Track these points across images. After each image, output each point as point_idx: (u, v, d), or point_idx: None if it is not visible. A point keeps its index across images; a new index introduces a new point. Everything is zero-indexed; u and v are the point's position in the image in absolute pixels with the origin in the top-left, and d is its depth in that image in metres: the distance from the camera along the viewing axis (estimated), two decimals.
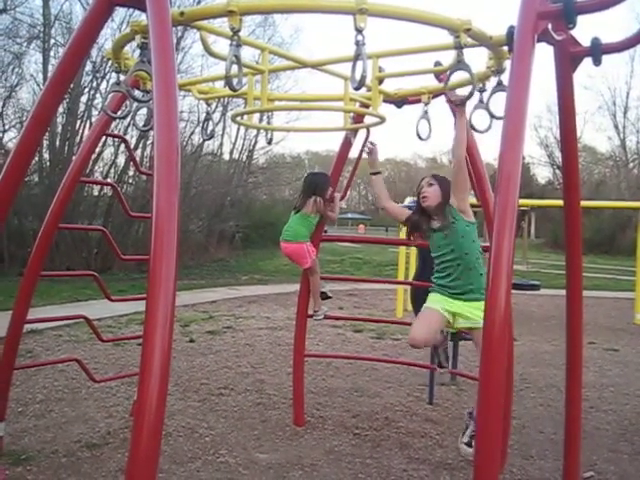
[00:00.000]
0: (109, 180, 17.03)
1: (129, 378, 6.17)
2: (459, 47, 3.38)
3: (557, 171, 47.75)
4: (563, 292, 3.92)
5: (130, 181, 21.17)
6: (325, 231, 5.99)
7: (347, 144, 5.45)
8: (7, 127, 19.06)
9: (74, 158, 5.21)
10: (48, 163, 18.78)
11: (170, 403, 5.74)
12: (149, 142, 20.13)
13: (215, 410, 5.90)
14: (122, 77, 4.08)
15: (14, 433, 4.99)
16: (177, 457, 4.69)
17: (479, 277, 4.03)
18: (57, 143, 18.80)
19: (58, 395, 6.14)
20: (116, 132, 13.46)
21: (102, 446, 4.86)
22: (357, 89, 3.44)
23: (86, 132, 18.09)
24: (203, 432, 5.28)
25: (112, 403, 5.93)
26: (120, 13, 17.47)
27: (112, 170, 20.54)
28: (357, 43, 3.14)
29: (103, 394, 6.17)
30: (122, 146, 18.07)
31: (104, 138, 5.36)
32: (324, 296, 5.75)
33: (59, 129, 18.66)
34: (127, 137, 14.90)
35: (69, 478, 4.26)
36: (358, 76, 3.17)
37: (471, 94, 3.62)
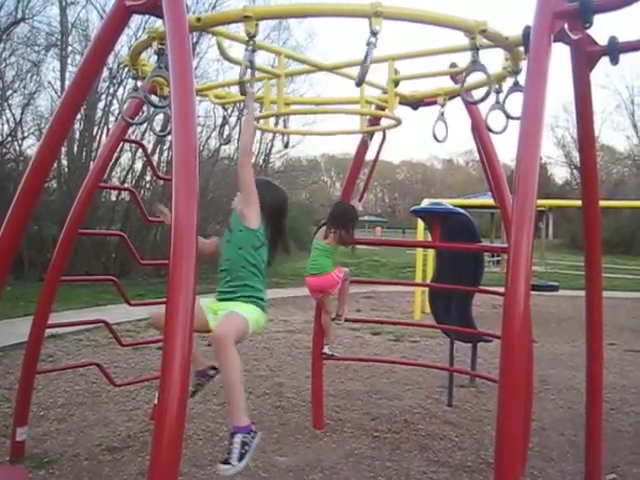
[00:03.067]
0: (127, 185, 17.11)
1: (148, 382, 6.21)
2: (475, 48, 3.38)
3: (575, 171, 47.40)
4: (582, 293, 3.89)
5: (147, 186, 21.28)
6: None
7: (363, 147, 5.45)
8: (26, 134, 19.25)
9: (92, 164, 5.26)
10: (66, 169, 18.93)
11: (190, 406, 5.73)
12: (166, 147, 20.23)
13: None
14: (139, 83, 4.13)
15: (36, 437, 5.04)
16: (197, 460, 4.71)
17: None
18: (75, 149, 18.95)
19: (79, 399, 6.19)
20: (133, 137, 13.56)
21: (123, 449, 4.89)
22: (357, 85, 3.51)
23: (103, 138, 18.23)
24: (223, 435, 5.28)
25: (132, 407, 5.97)
26: (136, 20, 17.59)
27: (129, 175, 20.67)
28: (368, 44, 3.19)
29: (123, 398, 6.21)
30: (139, 151, 18.18)
31: (121, 144, 5.40)
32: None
33: (77, 135, 18.81)
34: (144, 142, 15.01)
35: None
36: (361, 75, 3.25)
37: (487, 95, 3.62)
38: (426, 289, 10.97)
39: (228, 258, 3.42)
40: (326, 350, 5.70)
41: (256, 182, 3.34)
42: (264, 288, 3.45)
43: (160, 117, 4.26)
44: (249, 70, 3.29)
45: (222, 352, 3.01)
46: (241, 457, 2.93)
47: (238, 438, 2.97)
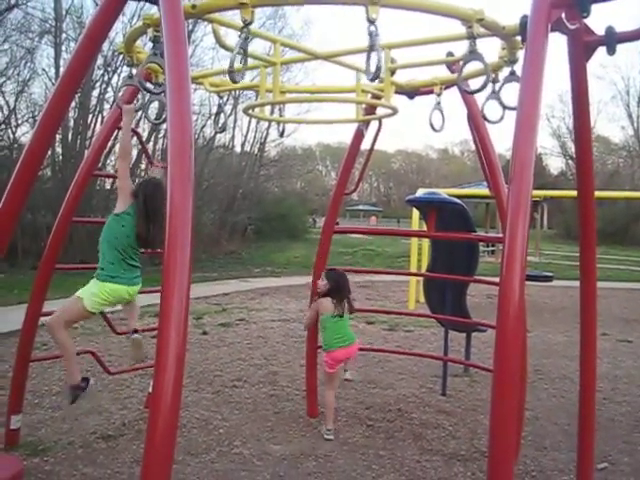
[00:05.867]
0: None
1: (142, 370, 6.20)
2: (472, 37, 3.37)
3: (570, 162, 47.45)
4: (575, 283, 3.90)
5: (142, 174, 21.22)
6: (337, 223, 5.98)
7: (359, 136, 5.43)
8: (20, 122, 19.17)
9: (87, 152, 5.23)
10: (61, 157, 18.89)
11: (184, 395, 5.76)
12: (161, 135, 20.18)
13: (229, 402, 5.93)
14: (134, 71, 4.10)
15: (31, 424, 5.04)
16: (191, 448, 4.73)
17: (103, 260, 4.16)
18: (69, 137, 18.90)
19: None
20: None
21: (117, 437, 4.90)
22: (373, 80, 3.44)
23: (98, 126, 18.17)
24: (217, 424, 5.31)
25: (126, 395, 5.98)
26: (131, 6, 17.49)
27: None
28: (371, 34, 3.13)
29: (117, 386, 6.21)
30: (134, 139, 18.08)
31: (116, 131, 5.39)
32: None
33: (71, 123, 18.73)
34: (139, 130, 14.95)
35: (85, 469, 4.31)
36: (373, 67, 3.17)
37: (485, 84, 3.61)
38: (421, 279, 10.98)
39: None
40: (330, 437, 5.13)
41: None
42: (107, 261, 4.11)
43: (155, 105, 4.24)
44: (239, 57, 3.26)
45: (52, 337, 4.17)
46: (72, 401, 4.22)
47: (69, 391, 4.21)
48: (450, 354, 6.86)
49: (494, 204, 5.00)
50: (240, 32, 3.21)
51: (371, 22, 3.09)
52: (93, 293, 4.05)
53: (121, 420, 5.29)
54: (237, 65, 3.28)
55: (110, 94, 19.34)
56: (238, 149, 31.00)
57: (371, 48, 3.14)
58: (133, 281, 4.24)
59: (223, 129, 5.17)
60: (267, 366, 7.39)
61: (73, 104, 17.40)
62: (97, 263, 4.18)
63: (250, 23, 3.16)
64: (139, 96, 4.70)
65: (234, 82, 3.40)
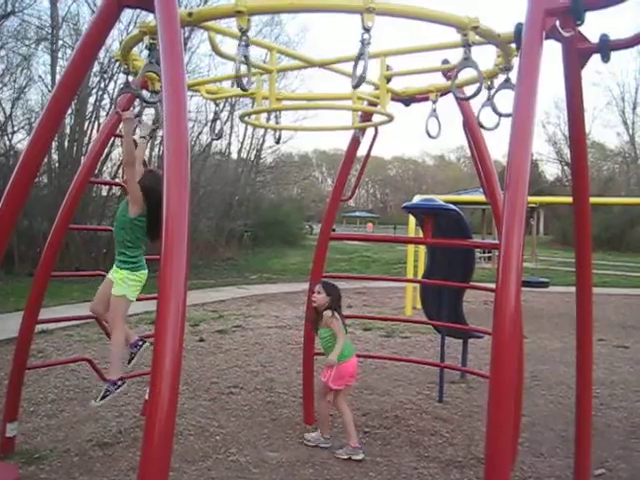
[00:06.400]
0: (117, 180, 17.07)
1: (139, 377, 6.18)
2: (467, 45, 3.39)
3: (566, 168, 47.56)
4: (572, 289, 3.91)
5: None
6: (333, 229, 5.98)
7: (355, 143, 5.44)
8: (16, 129, 19.14)
9: (83, 159, 5.23)
10: (57, 164, 18.85)
11: (181, 402, 5.74)
12: (157, 142, 20.17)
13: (225, 409, 5.92)
14: (130, 78, 4.11)
15: (26, 432, 5.02)
16: (188, 456, 4.71)
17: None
18: (66, 144, 18.87)
19: (69, 395, 6.17)
20: None
21: (113, 445, 4.88)
22: (355, 87, 3.47)
23: (94, 133, 18.15)
24: (214, 431, 5.29)
25: (123, 402, 5.95)
26: (127, 14, 17.51)
27: (120, 170, 20.60)
28: (362, 42, 3.16)
29: None
30: None
31: (112, 138, 5.39)
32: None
33: (67, 130, 18.72)
34: (135, 137, 14.97)
35: (81, 477, 4.29)
36: (358, 74, 3.20)
37: (478, 91, 3.63)
38: (417, 285, 10.98)
39: (115, 235, 4.52)
40: (326, 444, 5.07)
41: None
42: (137, 254, 4.46)
43: (151, 111, 4.25)
44: (244, 65, 3.27)
45: (113, 331, 4.38)
46: (102, 397, 4.24)
47: (105, 385, 4.29)
48: (447, 360, 6.86)
49: (490, 210, 5.01)
50: (240, 40, 3.21)
51: (366, 30, 3.11)
52: (130, 284, 4.37)
53: (117, 428, 5.27)
54: (243, 71, 3.29)
55: (106, 101, 19.37)
56: (234, 156, 31.10)
57: (359, 56, 3.17)
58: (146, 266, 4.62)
59: (219, 136, 5.17)
60: (264, 373, 7.37)
61: (69, 111, 17.40)
62: (93, 270, 4.25)
63: (246, 31, 3.17)
64: (135, 102, 4.71)
65: (243, 90, 3.42)
